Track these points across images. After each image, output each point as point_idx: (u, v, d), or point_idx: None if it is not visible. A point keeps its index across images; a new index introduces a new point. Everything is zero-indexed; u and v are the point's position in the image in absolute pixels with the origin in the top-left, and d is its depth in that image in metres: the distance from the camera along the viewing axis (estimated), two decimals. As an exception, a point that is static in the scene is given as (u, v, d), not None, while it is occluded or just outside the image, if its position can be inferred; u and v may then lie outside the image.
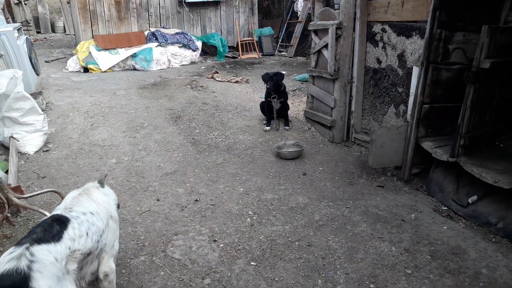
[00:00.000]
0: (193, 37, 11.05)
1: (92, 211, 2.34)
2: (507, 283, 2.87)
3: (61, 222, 2.13)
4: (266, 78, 6.00)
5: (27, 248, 1.88)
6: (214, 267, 3.09)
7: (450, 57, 4.11)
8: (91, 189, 2.54)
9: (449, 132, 4.22)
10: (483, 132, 3.99)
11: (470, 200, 3.71)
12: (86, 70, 9.70)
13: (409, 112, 4.32)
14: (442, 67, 4.11)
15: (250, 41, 12.35)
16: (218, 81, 8.79)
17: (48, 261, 1.89)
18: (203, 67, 10.39)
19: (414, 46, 4.45)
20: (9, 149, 4.74)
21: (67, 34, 16.51)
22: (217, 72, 9.35)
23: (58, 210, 2.29)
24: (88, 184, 2.63)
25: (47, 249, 1.94)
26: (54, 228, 2.08)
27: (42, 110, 5.75)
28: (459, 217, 3.73)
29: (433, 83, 4.10)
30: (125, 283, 2.92)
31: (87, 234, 2.20)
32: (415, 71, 4.25)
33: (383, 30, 4.88)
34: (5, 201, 3.34)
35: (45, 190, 3.69)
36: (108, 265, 2.40)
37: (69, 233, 2.10)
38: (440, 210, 3.87)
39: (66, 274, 1.99)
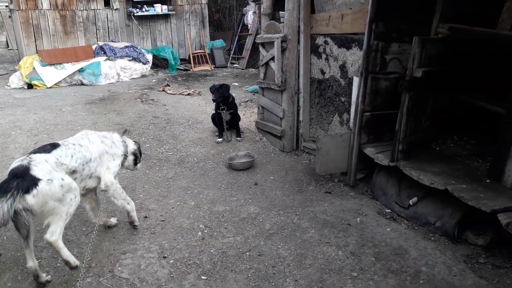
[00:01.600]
0: (143, 50, 10.93)
1: (81, 144, 3.23)
2: (444, 279, 3.04)
3: (53, 145, 3.07)
4: (213, 90, 6.05)
5: (28, 156, 2.83)
6: (163, 284, 3.04)
7: (387, 67, 4.35)
8: (91, 133, 3.44)
9: (389, 138, 4.44)
10: (420, 137, 4.24)
11: (411, 202, 3.91)
12: (30, 86, 9.32)
13: (351, 120, 4.50)
14: (380, 76, 4.34)
15: (202, 54, 12.38)
16: (169, 94, 8.73)
17: (41, 160, 2.80)
18: (154, 80, 10.28)
19: (354, 57, 4.66)
20: None
21: (10, 49, 15.79)
22: (169, 85, 9.29)
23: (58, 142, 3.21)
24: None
25: (40, 155, 2.86)
26: (47, 147, 3.02)
27: (-20, 130, 5.46)
28: (402, 219, 3.91)
29: (373, 92, 4.32)
30: (69, 307, 2.82)
31: (71, 156, 3.08)
32: (356, 81, 4.45)
33: (326, 43, 5.07)
34: None
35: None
36: (106, 179, 3.37)
37: (56, 151, 3.01)
38: (384, 213, 4.04)
39: (59, 169, 2.88)
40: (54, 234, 2.81)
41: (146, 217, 4.00)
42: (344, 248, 3.43)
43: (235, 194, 4.53)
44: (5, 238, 3.63)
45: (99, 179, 3.37)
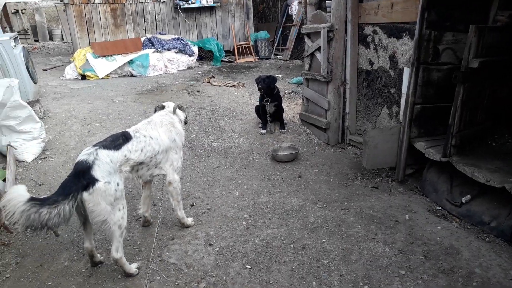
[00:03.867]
0: (189, 43, 11.12)
1: (152, 136, 3.26)
2: (500, 282, 2.89)
3: (126, 138, 3.09)
4: (259, 81, 6.05)
5: (96, 150, 2.85)
6: (209, 271, 3.11)
7: (440, 57, 4.15)
8: (161, 120, 3.46)
9: (441, 132, 4.25)
10: (474, 131, 4.03)
11: (463, 200, 3.74)
12: (83, 77, 9.76)
13: (401, 113, 4.35)
14: (432, 67, 4.15)
15: (246, 45, 12.41)
16: (214, 85, 8.84)
17: (105, 161, 2.83)
18: (199, 72, 10.45)
19: (405, 47, 4.49)
20: (6, 157, 4.77)
21: (65, 42, 16.61)
22: (214, 77, 9.41)
23: (130, 129, 3.25)
24: (160, 113, 3.61)
25: (107, 154, 2.88)
26: (119, 141, 3.03)
27: (40, 118, 5.79)
28: (453, 217, 3.75)
29: (424, 83, 4.14)
30: (121, 289, 2.95)
31: (141, 150, 3.13)
32: (406, 72, 4.29)
33: (374, 32, 4.92)
34: (2, 208, 3.36)
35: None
36: (171, 177, 3.45)
37: (127, 145, 3.04)
38: (434, 210, 3.89)
39: (118, 172, 2.92)
40: (118, 251, 2.93)
41: (193, 205, 4.10)
42: (392, 245, 3.34)
43: (279, 185, 4.53)
44: (62, 220, 3.84)
45: (161, 168, 3.43)
